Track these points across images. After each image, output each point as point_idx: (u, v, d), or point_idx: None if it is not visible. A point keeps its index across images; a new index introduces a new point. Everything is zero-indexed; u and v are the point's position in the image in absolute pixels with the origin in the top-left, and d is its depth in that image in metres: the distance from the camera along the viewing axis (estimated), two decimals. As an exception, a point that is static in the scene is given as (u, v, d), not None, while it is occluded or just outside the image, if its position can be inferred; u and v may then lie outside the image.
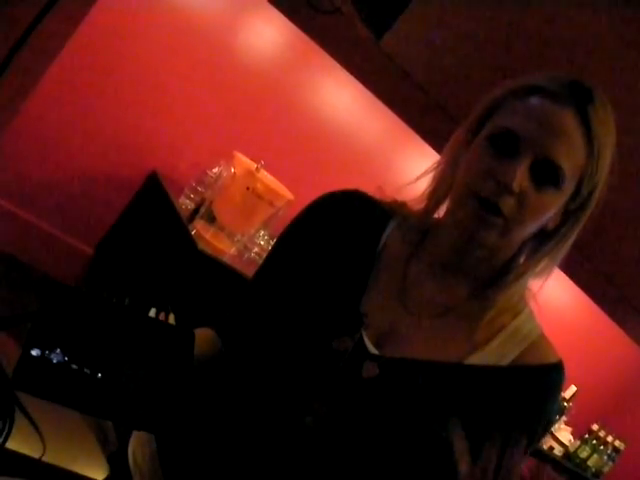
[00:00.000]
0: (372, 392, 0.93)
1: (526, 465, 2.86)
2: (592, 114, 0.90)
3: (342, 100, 2.80)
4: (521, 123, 0.90)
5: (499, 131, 0.92)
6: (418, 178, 1.03)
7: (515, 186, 0.89)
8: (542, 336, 0.99)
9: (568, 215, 0.96)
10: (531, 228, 0.94)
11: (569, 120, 0.90)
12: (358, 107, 2.81)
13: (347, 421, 0.92)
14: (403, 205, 1.05)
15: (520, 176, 0.89)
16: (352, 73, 2.49)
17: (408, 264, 1.01)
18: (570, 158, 0.90)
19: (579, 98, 0.90)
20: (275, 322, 0.99)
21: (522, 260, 0.99)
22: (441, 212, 1.01)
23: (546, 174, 0.90)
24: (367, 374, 0.94)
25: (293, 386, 0.95)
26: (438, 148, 2.26)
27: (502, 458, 0.93)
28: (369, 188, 1.09)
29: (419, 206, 1.02)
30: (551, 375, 0.96)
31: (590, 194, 0.94)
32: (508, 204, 0.89)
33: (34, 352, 0.77)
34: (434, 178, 1.01)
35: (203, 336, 1.01)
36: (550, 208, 0.93)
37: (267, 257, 1.11)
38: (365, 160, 2.90)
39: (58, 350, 0.78)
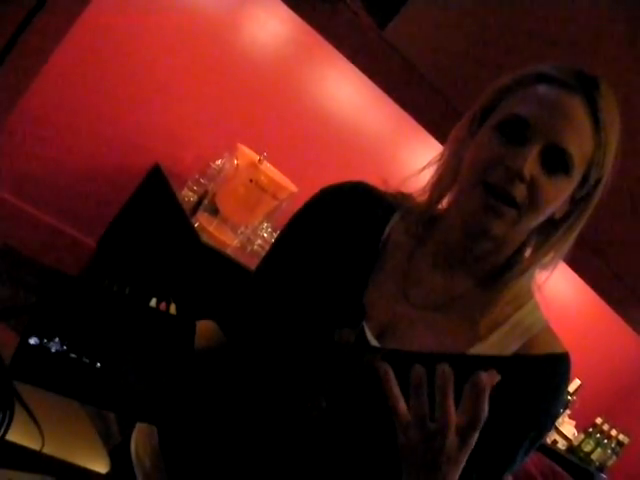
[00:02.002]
0: (373, 384, 0.92)
1: (532, 461, 2.84)
2: (599, 102, 0.90)
3: (346, 92, 2.78)
4: (531, 110, 0.90)
5: (508, 118, 0.91)
6: (422, 170, 1.02)
7: (526, 172, 0.88)
8: (547, 328, 0.98)
9: (575, 204, 0.95)
10: (541, 217, 0.93)
11: (578, 107, 0.89)
12: (362, 99, 2.79)
13: (348, 413, 0.91)
14: (407, 197, 1.04)
15: (531, 162, 0.88)
16: (356, 64, 2.48)
17: (411, 256, 1.00)
18: (579, 145, 0.90)
19: (586, 86, 0.90)
20: (277, 314, 0.99)
21: (529, 252, 0.98)
22: (445, 203, 1.01)
23: (556, 160, 0.90)
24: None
25: (294, 378, 0.94)
26: (442, 140, 2.24)
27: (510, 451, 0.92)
28: (373, 180, 1.09)
29: (423, 197, 1.02)
30: (557, 366, 0.94)
31: (597, 183, 0.94)
32: (519, 191, 0.88)
33: (32, 340, 0.77)
34: (438, 169, 1.00)
35: (205, 328, 1.01)
36: (561, 195, 0.92)
37: (271, 248, 1.11)
38: (369, 152, 2.89)
39: (57, 339, 0.77)
